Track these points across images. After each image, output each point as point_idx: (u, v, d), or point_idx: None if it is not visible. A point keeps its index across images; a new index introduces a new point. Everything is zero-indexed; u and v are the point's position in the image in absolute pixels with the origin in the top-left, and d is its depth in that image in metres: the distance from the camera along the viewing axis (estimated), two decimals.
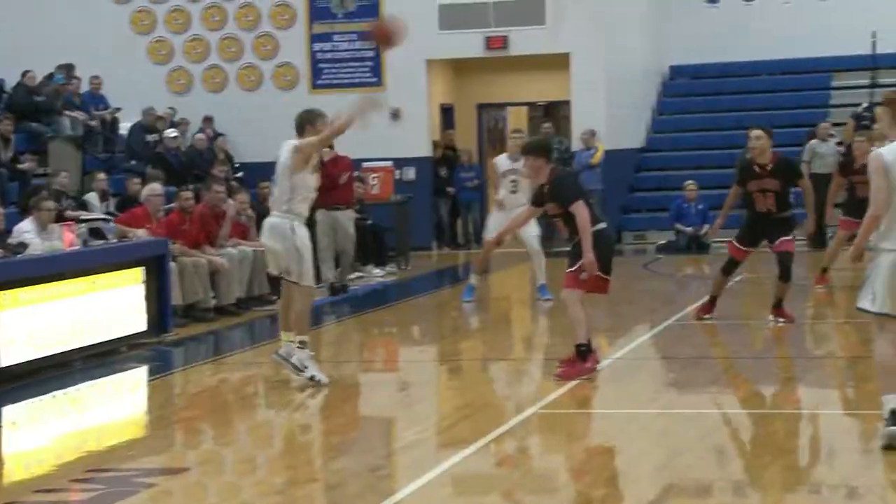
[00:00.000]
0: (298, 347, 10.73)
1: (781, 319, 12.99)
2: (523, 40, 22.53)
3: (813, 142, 20.70)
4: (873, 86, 23.20)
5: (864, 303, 8.27)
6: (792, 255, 12.81)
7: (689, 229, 21.09)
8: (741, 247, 12.95)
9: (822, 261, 15.75)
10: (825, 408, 9.93)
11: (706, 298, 13.46)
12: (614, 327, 13.57)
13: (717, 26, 24.91)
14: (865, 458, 8.17)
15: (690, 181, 21.48)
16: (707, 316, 13.33)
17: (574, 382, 10.50)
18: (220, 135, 22.37)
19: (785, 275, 12.79)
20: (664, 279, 18.61)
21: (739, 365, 11.94)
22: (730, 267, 13.10)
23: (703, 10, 25.28)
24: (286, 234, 10.59)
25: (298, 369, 10.71)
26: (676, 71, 25.62)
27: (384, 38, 11.53)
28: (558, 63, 22.54)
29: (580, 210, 10.44)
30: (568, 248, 10.85)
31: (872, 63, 23.65)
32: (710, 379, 11.15)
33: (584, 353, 10.67)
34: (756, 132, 12.79)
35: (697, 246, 20.84)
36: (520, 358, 12.96)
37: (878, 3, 24.25)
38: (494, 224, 14.95)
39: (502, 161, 15.66)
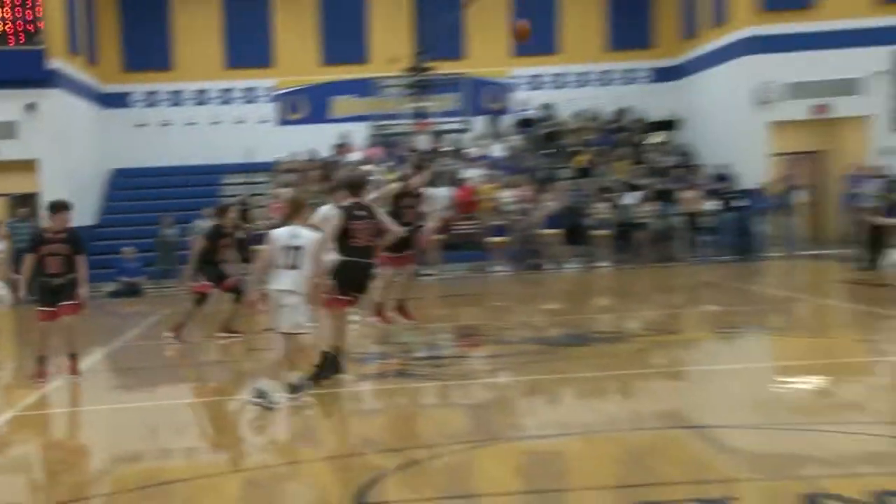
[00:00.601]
0: None
1: (233, 334, 13.32)
2: (3, 149, 22.03)
3: (198, 220, 20.86)
4: (249, 183, 24.98)
5: (276, 325, 8.95)
6: (240, 286, 13.09)
7: (128, 280, 21.70)
8: (206, 283, 13.33)
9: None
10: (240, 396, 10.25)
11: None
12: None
13: (147, 140, 26.09)
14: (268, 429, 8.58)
15: (129, 248, 22.05)
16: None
17: (42, 390, 10.42)
18: None
19: (237, 298, 13.19)
20: (111, 316, 18.04)
21: (176, 372, 11.93)
22: (201, 302, 13.41)
23: (135, 130, 26.10)
24: None
25: None
26: (119, 172, 25.98)
27: (521, 34, 12.30)
28: (30, 165, 22.26)
29: (84, 260, 11.01)
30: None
31: (248, 168, 25.70)
32: (148, 381, 11.18)
33: (42, 363, 10.88)
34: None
35: (133, 292, 21.50)
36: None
37: (291, 131, 26.35)
38: None
39: None
